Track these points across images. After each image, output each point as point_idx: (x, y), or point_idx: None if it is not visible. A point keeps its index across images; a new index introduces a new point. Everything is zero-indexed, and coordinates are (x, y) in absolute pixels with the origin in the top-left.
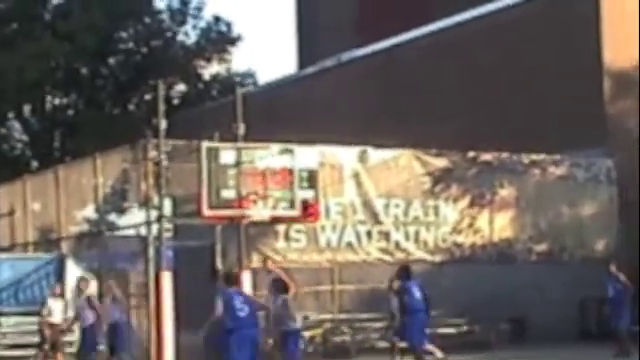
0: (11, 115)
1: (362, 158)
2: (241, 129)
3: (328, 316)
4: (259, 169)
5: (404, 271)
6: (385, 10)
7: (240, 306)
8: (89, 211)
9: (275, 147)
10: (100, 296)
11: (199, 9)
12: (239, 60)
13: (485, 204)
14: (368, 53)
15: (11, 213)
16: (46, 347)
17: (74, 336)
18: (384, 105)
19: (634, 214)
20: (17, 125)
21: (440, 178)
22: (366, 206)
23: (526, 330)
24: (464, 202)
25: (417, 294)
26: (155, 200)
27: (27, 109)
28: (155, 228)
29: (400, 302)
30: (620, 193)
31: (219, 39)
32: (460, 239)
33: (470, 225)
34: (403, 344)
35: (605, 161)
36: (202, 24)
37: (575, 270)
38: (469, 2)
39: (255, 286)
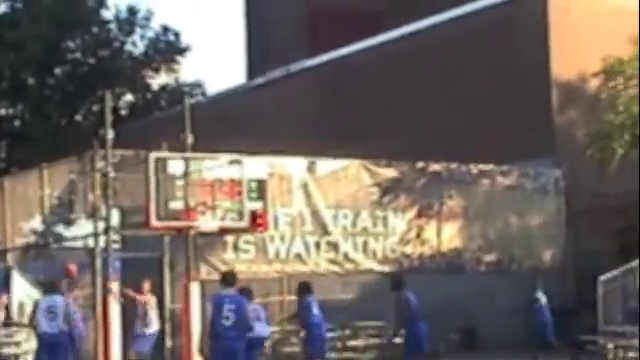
0: None
1: (311, 169)
2: (189, 139)
3: (277, 327)
4: (207, 180)
5: (304, 286)
6: (335, 22)
7: (227, 314)
8: (36, 222)
9: (224, 158)
10: None
11: (147, 19)
12: (188, 70)
13: (433, 214)
14: (317, 64)
15: None
16: None
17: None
18: (333, 116)
19: (580, 224)
20: None
21: (388, 189)
22: (315, 217)
23: (475, 340)
24: (412, 212)
25: (315, 309)
26: (102, 211)
27: None
28: (102, 239)
29: (300, 317)
30: (567, 203)
31: (167, 49)
32: (408, 249)
33: (418, 235)
34: None
35: (553, 171)
36: (150, 34)
37: (524, 280)
38: (417, 15)
39: (204, 297)
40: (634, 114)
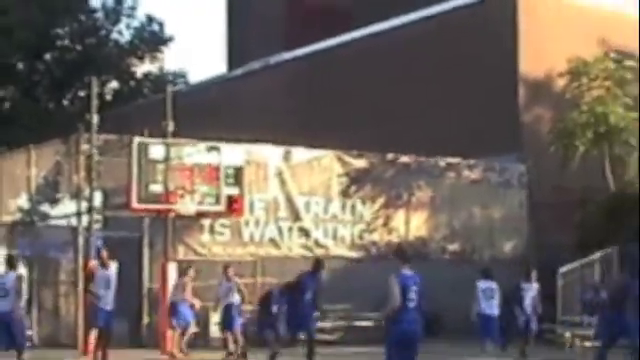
0: None
1: (286, 157)
2: (170, 126)
3: (249, 307)
4: (187, 165)
5: None
6: (313, 15)
7: (411, 295)
8: (22, 200)
9: (202, 144)
10: (31, 282)
11: (133, 8)
12: (171, 60)
13: (402, 204)
14: (295, 57)
15: None
16: None
17: None
18: (309, 108)
19: (542, 217)
20: None
21: (357, 178)
22: (288, 203)
23: (440, 325)
24: (380, 202)
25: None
26: (86, 192)
27: None
28: (85, 219)
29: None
30: (530, 196)
31: (152, 38)
32: (375, 237)
33: (385, 224)
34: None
35: (518, 166)
36: (135, 23)
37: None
38: (392, 11)
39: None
40: (597, 113)
